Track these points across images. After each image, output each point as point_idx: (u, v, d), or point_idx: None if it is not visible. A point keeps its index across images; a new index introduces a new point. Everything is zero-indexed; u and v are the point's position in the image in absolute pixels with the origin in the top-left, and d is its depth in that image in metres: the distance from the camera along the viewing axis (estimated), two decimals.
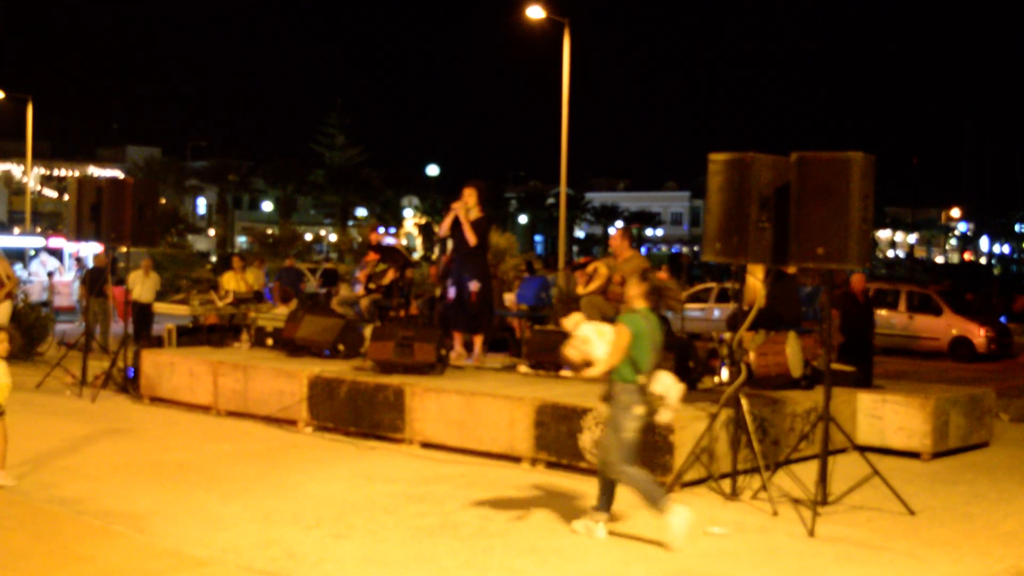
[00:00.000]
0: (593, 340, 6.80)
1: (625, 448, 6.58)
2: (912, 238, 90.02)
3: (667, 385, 6.64)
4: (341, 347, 11.45)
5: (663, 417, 6.70)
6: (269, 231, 62.47)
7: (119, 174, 52.98)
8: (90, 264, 21.43)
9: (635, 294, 6.86)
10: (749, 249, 7.68)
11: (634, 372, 6.59)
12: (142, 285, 18.06)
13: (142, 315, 18.06)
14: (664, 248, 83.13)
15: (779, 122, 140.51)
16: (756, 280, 9.97)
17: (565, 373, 10.37)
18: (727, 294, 23.65)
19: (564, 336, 11.22)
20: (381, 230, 20.78)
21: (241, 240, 71.84)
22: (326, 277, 21.00)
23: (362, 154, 74.29)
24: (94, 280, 16.83)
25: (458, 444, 9.20)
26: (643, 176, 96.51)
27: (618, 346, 6.59)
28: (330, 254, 63.67)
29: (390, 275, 13.29)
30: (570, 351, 6.93)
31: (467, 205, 11.10)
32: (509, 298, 16.31)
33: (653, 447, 7.96)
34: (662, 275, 24.97)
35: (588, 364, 6.76)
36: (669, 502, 6.51)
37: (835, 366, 9.56)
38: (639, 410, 6.57)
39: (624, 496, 6.83)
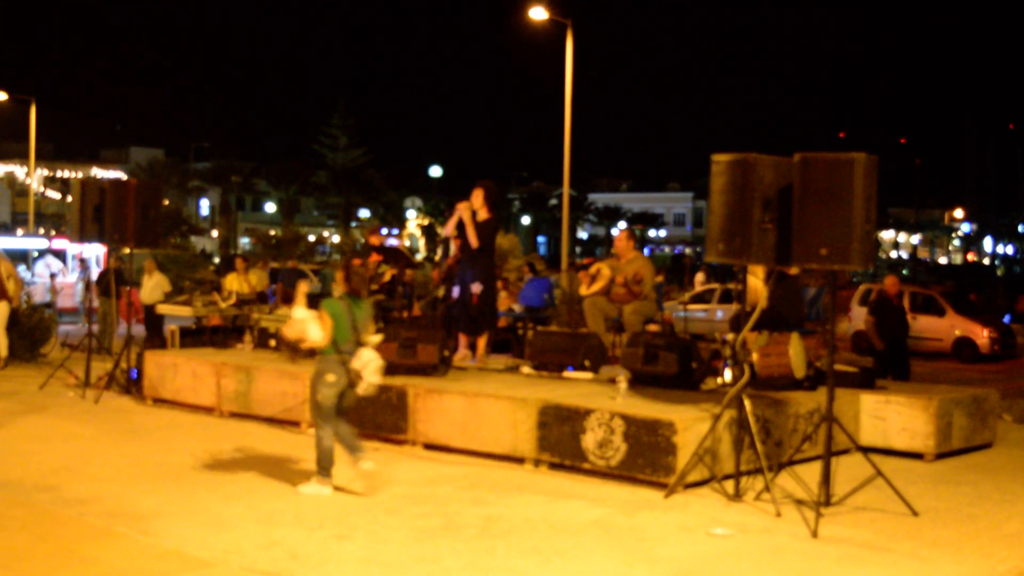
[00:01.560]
0: (308, 321, 7.79)
1: (320, 408, 7.73)
2: (915, 239, 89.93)
3: (365, 360, 7.66)
4: None
5: (360, 388, 7.69)
6: (272, 232, 62.47)
7: (122, 175, 52.95)
8: (94, 266, 21.55)
9: (337, 280, 7.98)
10: (752, 250, 7.66)
11: (332, 347, 7.68)
12: (145, 287, 18.17)
13: (148, 317, 18.16)
14: (667, 249, 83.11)
15: (782, 123, 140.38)
16: (758, 280, 9.97)
17: (568, 374, 10.37)
18: (730, 295, 23.65)
19: (566, 337, 11.25)
20: (384, 231, 20.83)
21: (244, 241, 71.89)
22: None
23: (365, 155, 74.24)
24: (99, 281, 16.89)
25: (461, 445, 9.19)
26: (646, 177, 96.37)
27: (323, 328, 7.68)
28: (333, 255, 63.71)
29: (388, 274, 13.28)
30: (287, 330, 8.02)
31: (473, 206, 10.95)
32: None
33: (656, 448, 7.97)
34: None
35: (302, 341, 7.83)
36: (331, 467, 7.75)
37: (839, 367, 9.56)
38: (331, 378, 7.66)
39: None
